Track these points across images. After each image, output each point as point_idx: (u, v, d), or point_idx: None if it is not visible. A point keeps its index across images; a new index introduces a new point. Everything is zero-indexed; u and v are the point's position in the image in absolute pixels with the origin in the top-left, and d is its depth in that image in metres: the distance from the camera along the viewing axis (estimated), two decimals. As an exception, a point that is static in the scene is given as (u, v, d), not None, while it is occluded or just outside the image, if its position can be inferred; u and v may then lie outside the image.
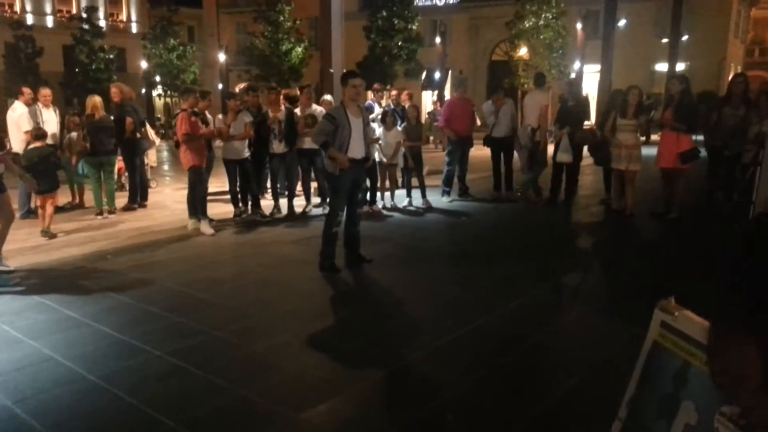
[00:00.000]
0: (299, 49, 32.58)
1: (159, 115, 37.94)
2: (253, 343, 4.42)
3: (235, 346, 4.39)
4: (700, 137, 8.71)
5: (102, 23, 35.11)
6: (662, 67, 26.02)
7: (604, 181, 9.47)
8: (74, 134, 9.72)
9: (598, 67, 20.79)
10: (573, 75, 20.18)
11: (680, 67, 25.94)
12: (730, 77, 19.27)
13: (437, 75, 27.48)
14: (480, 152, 11.22)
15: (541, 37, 27.51)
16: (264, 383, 3.80)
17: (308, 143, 8.54)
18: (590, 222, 8.87)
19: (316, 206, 9.44)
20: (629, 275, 6.17)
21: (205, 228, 8.08)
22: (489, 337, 4.55)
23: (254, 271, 6.44)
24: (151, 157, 11.62)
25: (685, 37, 26.23)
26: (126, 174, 10.44)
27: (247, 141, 8.76)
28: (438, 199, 9.98)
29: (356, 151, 6.09)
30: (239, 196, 9.09)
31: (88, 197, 10.08)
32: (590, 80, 26.23)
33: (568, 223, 8.90)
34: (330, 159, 5.97)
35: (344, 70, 8.95)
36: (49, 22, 36.00)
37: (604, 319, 4.93)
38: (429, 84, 29.43)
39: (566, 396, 3.62)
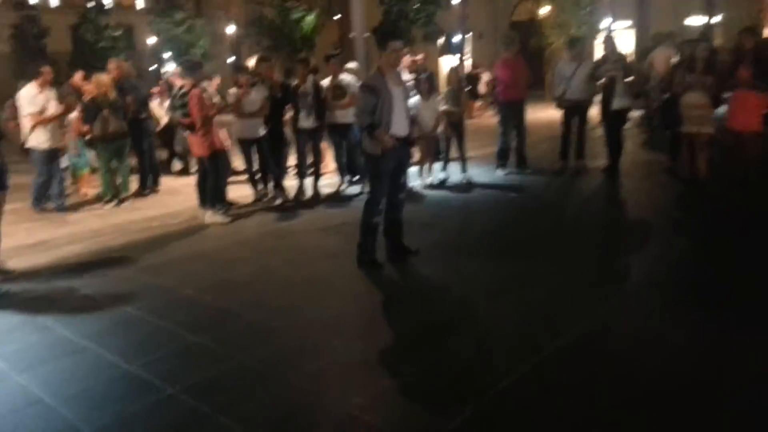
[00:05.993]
0: (310, 18, 31.16)
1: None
2: (286, 373, 3.54)
3: (265, 378, 3.51)
4: None
5: (107, 0, 33.99)
6: (692, 21, 24.39)
7: (669, 146, 8.35)
8: (75, 115, 8.80)
9: (627, 23, 19.48)
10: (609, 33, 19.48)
11: (715, 20, 24.41)
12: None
13: (457, 38, 26.12)
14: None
15: (568, -7, 25.90)
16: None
17: (340, 117, 7.96)
18: (661, 195, 7.71)
19: (352, 183, 8.51)
20: (720, 262, 5.16)
21: (217, 218, 7.21)
22: (590, 350, 3.61)
23: (279, 269, 5.52)
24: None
25: (720, -13, 24.66)
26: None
27: (262, 118, 7.84)
28: (479, 173, 8.95)
29: (399, 126, 5.11)
30: (258, 177, 8.21)
31: (92, 185, 9.25)
32: (620, 37, 24.76)
33: (634, 196, 7.78)
34: (373, 138, 5.03)
35: (366, 34, 7.86)
36: (54, 1, 35.06)
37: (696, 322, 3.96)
38: (448, 48, 28.08)
39: None
